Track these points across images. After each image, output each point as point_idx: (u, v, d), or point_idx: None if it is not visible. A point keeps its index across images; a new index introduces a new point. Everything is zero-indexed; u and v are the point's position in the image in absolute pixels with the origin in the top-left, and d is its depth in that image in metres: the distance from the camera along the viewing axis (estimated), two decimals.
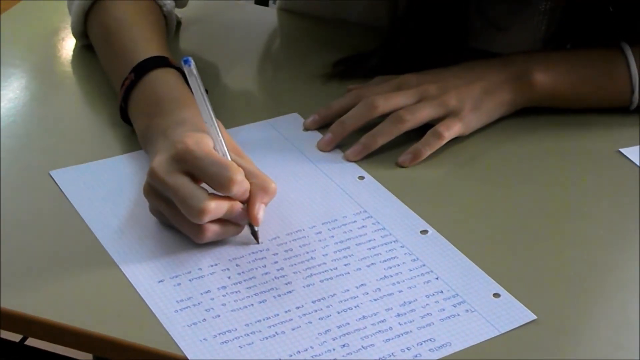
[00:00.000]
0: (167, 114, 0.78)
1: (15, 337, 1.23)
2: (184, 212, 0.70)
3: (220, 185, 0.70)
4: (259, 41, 1.05)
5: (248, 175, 0.72)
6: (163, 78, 0.82)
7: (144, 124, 0.81)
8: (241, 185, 0.70)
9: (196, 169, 0.70)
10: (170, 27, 0.97)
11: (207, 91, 0.86)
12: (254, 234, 0.73)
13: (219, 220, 0.71)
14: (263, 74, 1.00)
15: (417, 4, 0.93)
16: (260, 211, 0.72)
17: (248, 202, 0.72)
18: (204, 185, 0.71)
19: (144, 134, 0.80)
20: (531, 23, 0.99)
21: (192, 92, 0.72)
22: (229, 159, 0.73)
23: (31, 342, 1.21)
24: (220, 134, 0.73)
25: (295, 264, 0.71)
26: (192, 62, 0.71)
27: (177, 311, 0.66)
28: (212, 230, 0.71)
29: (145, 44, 0.87)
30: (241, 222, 0.73)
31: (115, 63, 0.88)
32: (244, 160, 0.74)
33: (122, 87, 0.83)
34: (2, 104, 0.89)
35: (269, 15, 1.13)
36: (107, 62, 0.91)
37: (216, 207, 0.69)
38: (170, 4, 0.96)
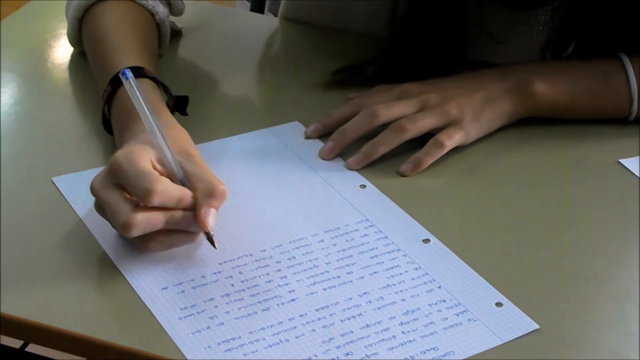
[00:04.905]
0: (131, 127, 0.77)
1: (16, 344, 1.22)
2: (113, 226, 0.69)
3: (139, 197, 0.67)
4: (260, 49, 1.05)
5: (195, 180, 0.70)
6: None
7: (117, 138, 0.80)
8: (162, 195, 0.67)
9: (123, 182, 0.69)
10: (164, 35, 0.96)
11: (187, 99, 0.85)
12: (210, 240, 0.71)
13: (164, 230, 0.69)
14: (264, 82, 1.01)
15: (415, 15, 0.94)
16: (209, 216, 0.69)
17: (195, 208, 0.70)
18: None
19: (118, 148, 0.79)
20: (530, 34, 0.99)
21: (135, 104, 0.71)
22: (174, 166, 0.71)
23: (32, 348, 1.21)
24: (165, 142, 0.71)
25: (298, 272, 0.72)
26: (130, 75, 0.71)
27: (181, 318, 0.66)
28: (158, 240, 0.69)
29: (126, 53, 0.85)
30: (192, 229, 0.70)
31: (98, 73, 0.87)
32: (195, 164, 0.72)
33: (102, 99, 0.83)
34: (2, 110, 0.89)
35: (270, 23, 1.13)
36: (94, 71, 0.90)
37: (145, 220, 0.67)
38: (163, 12, 0.95)
